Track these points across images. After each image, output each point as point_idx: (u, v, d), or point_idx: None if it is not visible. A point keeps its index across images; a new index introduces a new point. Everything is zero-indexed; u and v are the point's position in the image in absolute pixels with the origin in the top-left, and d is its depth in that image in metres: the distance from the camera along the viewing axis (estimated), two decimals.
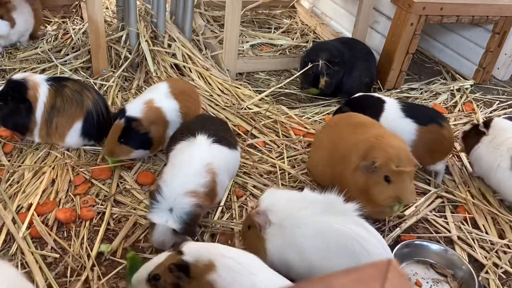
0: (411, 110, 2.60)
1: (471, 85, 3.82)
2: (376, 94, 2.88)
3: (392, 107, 2.62)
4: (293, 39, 4.13)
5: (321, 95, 3.40)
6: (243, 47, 3.85)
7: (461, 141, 2.73)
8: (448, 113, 3.40)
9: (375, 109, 2.62)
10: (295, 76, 3.40)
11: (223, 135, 2.26)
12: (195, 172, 1.99)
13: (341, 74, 3.32)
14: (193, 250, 1.53)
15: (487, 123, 2.61)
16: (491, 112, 3.47)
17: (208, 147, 2.13)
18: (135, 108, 2.35)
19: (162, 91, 2.50)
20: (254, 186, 2.44)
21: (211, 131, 2.20)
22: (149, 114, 2.36)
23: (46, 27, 3.78)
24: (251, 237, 1.84)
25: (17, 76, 2.41)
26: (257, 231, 1.79)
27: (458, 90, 3.72)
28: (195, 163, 2.01)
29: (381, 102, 2.65)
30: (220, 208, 2.26)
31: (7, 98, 2.36)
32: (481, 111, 3.45)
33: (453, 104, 3.53)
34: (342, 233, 1.69)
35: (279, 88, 3.40)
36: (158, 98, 2.45)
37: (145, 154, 2.46)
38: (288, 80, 3.40)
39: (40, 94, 2.37)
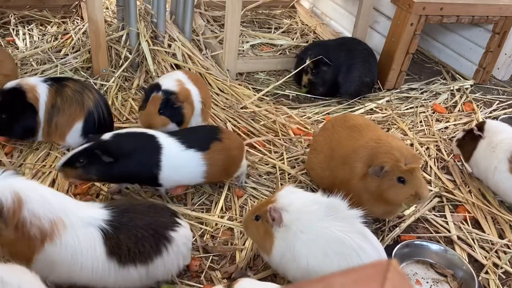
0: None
1: (471, 85, 3.82)
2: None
3: None
4: (293, 39, 4.13)
5: (316, 95, 3.40)
6: (243, 47, 3.85)
7: (457, 149, 2.73)
8: (448, 113, 3.40)
9: None
10: (290, 75, 3.40)
11: None
12: None
13: (330, 74, 3.29)
14: None
15: (481, 127, 2.62)
16: (491, 112, 3.47)
17: None
18: (169, 83, 2.44)
19: (182, 77, 2.57)
20: (254, 188, 2.44)
21: None
22: (182, 91, 2.46)
23: (46, 27, 3.79)
24: (259, 229, 1.80)
25: (10, 84, 2.37)
26: (267, 226, 1.77)
27: (458, 90, 3.73)
28: None
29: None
30: (219, 208, 2.27)
31: (8, 109, 2.35)
32: (481, 111, 3.45)
33: (453, 104, 3.53)
34: (342, 242, 1.68)
35: (279, 89, 3.41)
36: (184, 81, 2.53)
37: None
38: (284, 78, 3.41)
39: (40, 94, 2.37)
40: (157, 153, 2.09)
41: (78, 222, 1.62)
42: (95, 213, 1.68)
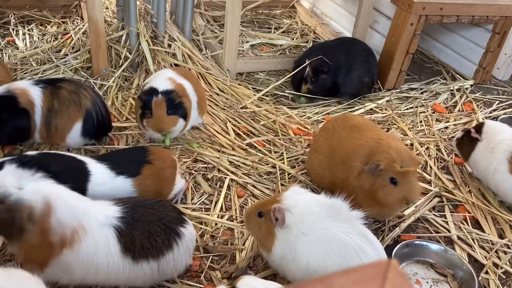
0: None
1: (471, 85, 3.82)
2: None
3: None
4: (293, 39, 4.13)
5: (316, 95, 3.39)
6: (243, 47, 3.85)
7: (456, 149, 2.73)
8: (448, 113, 3.40)
9: None
10: (289, 75, 3.40)
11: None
12: None
13: (329, 81, 3.28)
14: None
15: (479, 128, 2.61)
16: (491, 112, 3.47)
17: None
18: (163, 84, 2.48)
19: (172, 74, 2.60)
20: (254, 186, 2.44)
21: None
22: (177, 87, 2.50)
23: (46, 27, 3.79)
24: (261, 226, 1.80)
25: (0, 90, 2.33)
26: (270, 225, 1.77)
27: (458, 90, 3.72)
28: None
29: None
30: (219, 208, 2.27)
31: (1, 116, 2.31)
32: (481, 111, 3.44)
33: (453, 104, 3.53)
34: (343, 243, 1.68)
35: (279, 89, 3.40)
36: (175, 78, 2.56)
37: (183, 126, 2.55)
38: (284, 78, 3.41)
39: (34, 97, 2.33)
40: (84, 180, 1.92)
41: (96, 225, 1.63)
42: (108, 211, 1.69)
